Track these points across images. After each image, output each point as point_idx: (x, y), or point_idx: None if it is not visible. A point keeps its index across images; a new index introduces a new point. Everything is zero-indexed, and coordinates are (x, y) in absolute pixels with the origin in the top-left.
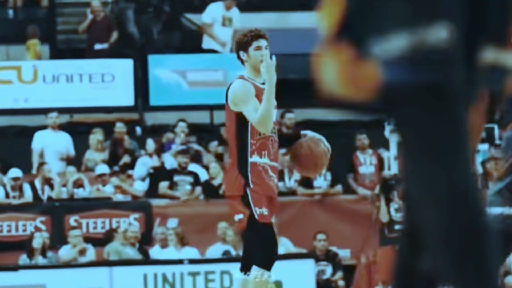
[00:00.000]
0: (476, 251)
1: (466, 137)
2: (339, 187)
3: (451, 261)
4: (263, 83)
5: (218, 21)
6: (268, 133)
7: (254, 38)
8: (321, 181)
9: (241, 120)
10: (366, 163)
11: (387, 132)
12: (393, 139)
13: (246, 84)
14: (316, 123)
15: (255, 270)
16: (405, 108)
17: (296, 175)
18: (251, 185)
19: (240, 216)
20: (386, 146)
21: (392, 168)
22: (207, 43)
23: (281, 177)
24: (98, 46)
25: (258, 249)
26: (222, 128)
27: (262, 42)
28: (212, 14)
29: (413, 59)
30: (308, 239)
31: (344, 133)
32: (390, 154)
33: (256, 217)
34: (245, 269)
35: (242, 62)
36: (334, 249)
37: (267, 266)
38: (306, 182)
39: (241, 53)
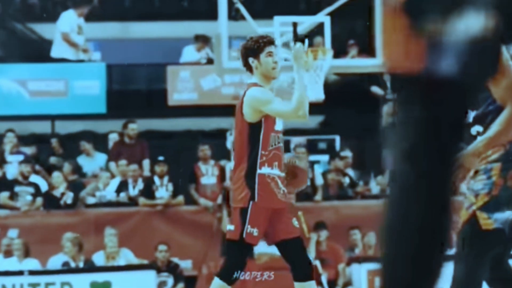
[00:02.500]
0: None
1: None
2: (181, 198)
3: None
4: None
5: (74, 30)
6: (307, 118)
7: (266, 44)
8: (163, 192)
9: (254, 132)
10: (208, 173)
11: (228, 143)
12: None
13: (263, 89)
14: (159, 133)
15: (216, 282)
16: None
17: (140, 185)
18: (256, 198)
19: (232, 227)
20: (228, 157)
21: None
22: (58, 51)
23: (123, 187)
24: None
25: (228, 265)
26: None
27: (273, 48)
28: (68, 22)
29: (459, 50)
30: (149, 250)
31: (186, 144)
32: (232, 165)
33: (244, 235)
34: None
35: (250, 69)
36: (175, 260)
37: (230, 282)
38: (148, 193)
39: (251, 60)
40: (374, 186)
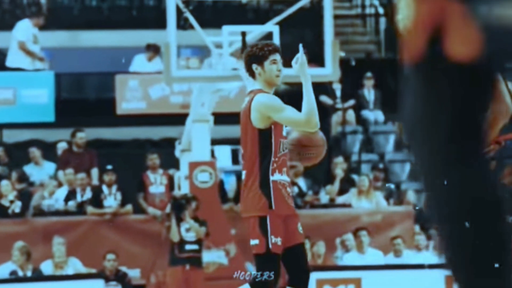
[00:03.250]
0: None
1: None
2: (129, 207)
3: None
4: None
5: (30, 39)
6: (318, 128)
7: (271, 52)
8: (111, 201)
9: (265, 138)
10: (156, 182)
11: (177, 152)
12: (184, 159)
13: (272, 95)
14: (107, 142)
15: None
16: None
17: (88, 194)
18: (273, 206)
19: (256, 241)
20: (177, 166)
21: (183, 188)
22: (13, 60)
23: (71, 196)
24: None
25: (260, 278)
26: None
27: (278, 56)
28: (24, 31)
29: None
30: (97, 259)
31: (134, 152)
32: (181, 174)
33: (270, 246)
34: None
35: (253, 75)
36: (123, 269)
37: None
38: (96, 202)
39: (254, 66)
40: (323, 196)
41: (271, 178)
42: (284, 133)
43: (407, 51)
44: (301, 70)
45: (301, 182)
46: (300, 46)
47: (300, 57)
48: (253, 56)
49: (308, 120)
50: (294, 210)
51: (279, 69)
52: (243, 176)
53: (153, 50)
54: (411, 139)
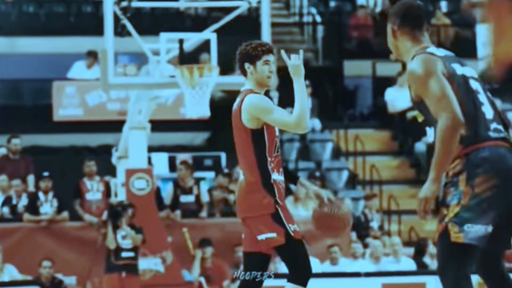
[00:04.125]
0: None
1: None
2: (65, 214)
3: None
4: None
5: None
6: (308, 130)
7: (265, 52)
8: (48, 208)
9: (258, 138)
10: (93, 189)
11: (114, 159)
12: (120, 166)
13: (262, 96)
14: (44, 149)
15: (290, 287)
16: None
17: (24, 200)
18: (280, 202)
19: (272, 234)
20: (113, 173)
21: (119, 195)
22: None
23: (7, 203)
24: None
25: (295, 267)
26: None
27: (271, 57)
28: None
29: None
30: (33, 266)
31: (71, 159)
32: (118, 181)
33: (292, 233)
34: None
35: (245, 74)
36: (59, 276)
37: (303, 283)
38: (32, 208)
39: (247, 65)
40: None
41: (273, 177)
42: (277, 133)
43: None
44: (295, 71)
45: None
46: (301, 51)
47: (293, 59)
48: (246, 55)
49: (297, 123)
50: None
51: (271, 70)
52: (242, 177)
53: (93, 56)
54: None
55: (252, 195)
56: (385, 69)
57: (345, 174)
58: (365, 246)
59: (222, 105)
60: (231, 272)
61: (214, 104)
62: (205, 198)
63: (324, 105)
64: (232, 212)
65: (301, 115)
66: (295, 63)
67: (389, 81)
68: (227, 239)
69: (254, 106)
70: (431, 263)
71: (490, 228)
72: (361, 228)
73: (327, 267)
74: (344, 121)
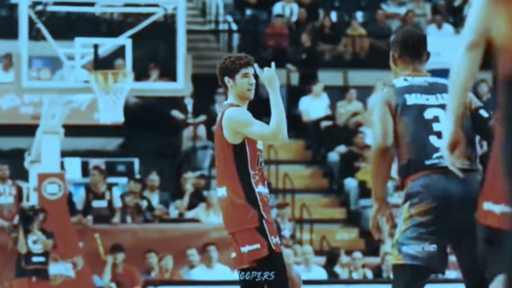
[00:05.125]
0: None
1: None
2: None
3: None
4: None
5: None
6: (287, 139)
7: (243, 66)
8: None
9: (240, 152)
10: (5, 193)
11: (27, 163)
12: (33, 171)
13: (242, 109)
14: None
15: None
16: None
17: None
18: (265, 216)
19: (256, 246)
20: (26, 177)
21: (31, 199)
22: None
23: None
24: None
25: (277, 279)
26: None
27: (250, 70)
28: None
29: None
30: None
31: None
32: (30, 185)
33: (273, 247)
34: None
35: (226, 88)
36: None
37: None
38: None
39: (226, 79)
40: (172, 210)
41: (257, 190)
42: (258, 146)
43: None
44: (270, 83)
45: (151, 196)
46: (272, 64)
47: (266, 71)
48: (225, 69)
49: (275, 134)
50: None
51: (251, 82)
52: (224, 193)
53: (9, 59)
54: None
55: (236, 210)
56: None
57: None
58: None
59: (136, 111)
60: (142, 278)
61: (128, 110)
62: (117, 203)
63: None
64: (145, 218)
65: (278, 126)
66: (268, 75)
67: (304, 91)
68: (138, 245)
69: (232, 120)
70: (342, 272)
71: (431, 247)
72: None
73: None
74: None
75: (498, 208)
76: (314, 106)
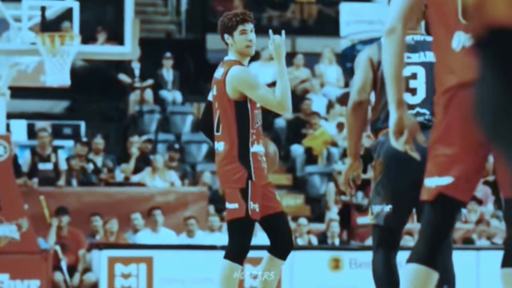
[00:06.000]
0: None
1: None
2: None
3: None
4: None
5: None
6: (290, 111)
7: (239, 22)
8: None
9: (241, 109)
10: None
11: None
12: None
13: (247, 70)
14: None
15: (227, 264)
16: None
17: None
18: (253, 177)
19: (235, 205)
20: None
21: None
22: None
23: None
24: None
25: (237, 244)
26: None
27: (248, 26)
28: None
29: None
30: None
31: None
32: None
33: (249, 212)
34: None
35: (227, 45)
36: None
37: (240, 261)
38: None
39: (226, 36)
40: (118, 174)
41: (251, 149)
42: (257, 105)
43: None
44: (277, 53)
45: (96, 160)
46: (283, 32)
47: (275, 40)
48: (223, 26)
49: (280, 103)
50: (267, 180)
51: (249, 39)
52: (221, 148)
53: None
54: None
55: (227, 167)
56: None
57: (204, 148)
58: (222, 219)
59: (83, 74)
60: (86, 241)
61: (75, 73)
62: (63, 166)
63: (186, 78)
64: (90, 181)
65: (284, 96)
66: (277, 44)
67: (254, 56)
68: (84, 208)
69: (239, 80)
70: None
71: (387, 208)
72: (218, 202)
73: (183, 239)
74: (205, 95)
75: (434, 182)
76: (263, 72)
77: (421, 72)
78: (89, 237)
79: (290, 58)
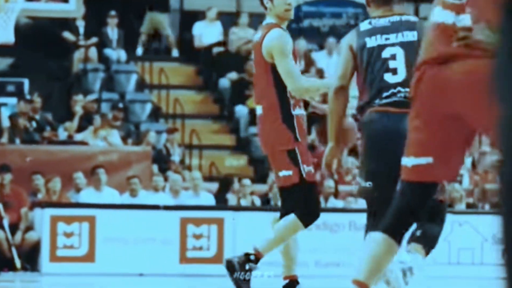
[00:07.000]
0: None
1: None
2: None
3: None
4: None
5: None
6: (300, 97)
7: None
8: None
9: (278, 73)
10: None
11: None
12: None
13: (286, 36)
14: None
15: (293, 218)
16: None
17: None
18: (299, 139)
19: (289, 172)
20: None
21: None
22: None
23: None
24: None
25: (302, 207)
26: None
27: None
28: None
29: None
30: None
31: None
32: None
33: (304, 175)
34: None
35: (265, 8)
36: None
37: (307, 224)
38: None
39: (265, 1)
40: (61, 132)
41: (293, 112)
42: (296, 64)
43: None
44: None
45: (39, 117)
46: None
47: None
48: None
49: (300, 87)
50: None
51: (288, 2)
52: (260, 111)
53: None
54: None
55: (271, 129)
56: (193, 3)
57: (148, 107)
58: (166, 179)
59: (27, 32)
60: (29, 200)
61: (19, 30)
62: (5, 123)
63: (130, 37)
64: (32, 139)
65: (310, 88)
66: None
67: (198, 15)
68: (26, 166)
69: (273, 42)
70: (231, 199)
71: (367, 184)
72: (162, 161)
73: (126, 198)
74: (149, 53)
75: (410, 162)
76: (207, 32)
77: (399, 52)
78: (32, 196)
79: (234, 17)
